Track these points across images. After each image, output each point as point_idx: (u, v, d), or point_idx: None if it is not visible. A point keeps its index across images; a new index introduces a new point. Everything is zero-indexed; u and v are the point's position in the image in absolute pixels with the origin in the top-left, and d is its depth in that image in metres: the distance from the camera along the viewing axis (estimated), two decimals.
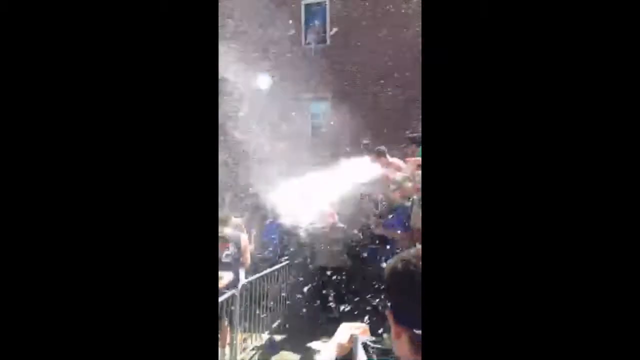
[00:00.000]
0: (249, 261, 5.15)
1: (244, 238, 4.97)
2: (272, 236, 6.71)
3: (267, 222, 6.79)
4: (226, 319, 4.42)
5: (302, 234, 6.01)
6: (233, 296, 4.45)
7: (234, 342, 4.51)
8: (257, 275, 5.19)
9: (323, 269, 5.91)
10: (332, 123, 8.76)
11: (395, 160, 4.62)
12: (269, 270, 5.54)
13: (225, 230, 4.51)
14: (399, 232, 4.38)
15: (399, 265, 0.87)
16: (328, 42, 10.51)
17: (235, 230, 4.87)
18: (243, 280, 4.78)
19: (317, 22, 10.64)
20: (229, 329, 4.49)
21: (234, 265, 4.51)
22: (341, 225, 6.09)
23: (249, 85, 8.36)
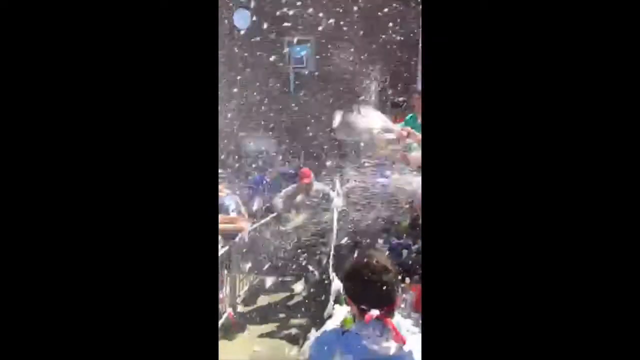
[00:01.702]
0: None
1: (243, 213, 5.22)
2: (254, 186, 6.81)
3: (254, 177, 6.82)
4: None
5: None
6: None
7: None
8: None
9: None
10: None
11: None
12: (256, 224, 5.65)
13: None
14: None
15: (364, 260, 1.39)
16: None
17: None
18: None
19: None
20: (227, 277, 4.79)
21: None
22: (319, 186, 5.11)
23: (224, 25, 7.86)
